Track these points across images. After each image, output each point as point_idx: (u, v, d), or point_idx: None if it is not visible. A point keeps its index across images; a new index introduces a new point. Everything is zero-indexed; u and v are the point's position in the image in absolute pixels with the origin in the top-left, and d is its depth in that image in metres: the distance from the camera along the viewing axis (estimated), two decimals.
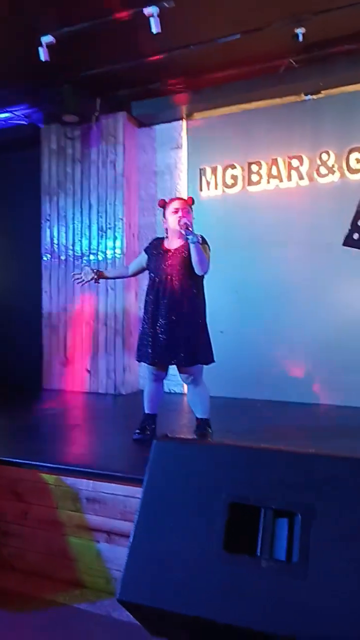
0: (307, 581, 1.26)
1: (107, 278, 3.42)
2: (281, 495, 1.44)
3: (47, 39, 3.86)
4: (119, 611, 2.22)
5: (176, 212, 3.02)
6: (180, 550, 1.45)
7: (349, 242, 1.95)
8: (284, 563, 1.35)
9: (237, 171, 4.81)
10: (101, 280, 5.23)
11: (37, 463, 2.74)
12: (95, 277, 3.28)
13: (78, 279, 3.30)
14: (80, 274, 3.30)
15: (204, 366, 3.14)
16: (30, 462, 2.76)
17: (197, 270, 2.95)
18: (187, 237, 2.89)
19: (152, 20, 3.48)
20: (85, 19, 3.71)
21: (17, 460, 2.80)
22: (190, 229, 2.88)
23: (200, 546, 1.44)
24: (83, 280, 3.28)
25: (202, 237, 2.98)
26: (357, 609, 1.16)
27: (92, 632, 2.13)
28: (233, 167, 4.82)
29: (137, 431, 3.20)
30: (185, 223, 2.89)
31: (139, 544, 1.52)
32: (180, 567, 1.42)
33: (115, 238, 5.19)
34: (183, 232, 2.91)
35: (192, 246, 2.90)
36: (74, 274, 3.38)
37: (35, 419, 4.22)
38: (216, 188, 4.93)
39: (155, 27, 3.49)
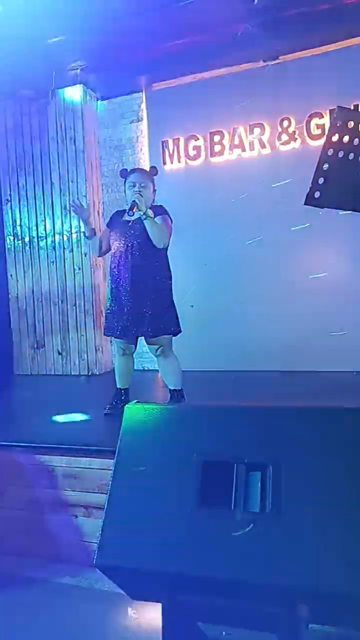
0: (280, 529, 1.28)
1: (93, 238, 3.15)
2: (253, 450, 1.45)
3: None
4: (101, 582, 2.23)
5: (133, 185, 2.96)
6: (156, 510, 1.45)
7: (310, 201, 1.93)
8: (257, 514, 1.36)
9: (200, 142, 4.75)
10: (67, 258, 5.17)
11: (9, 443, 2.70)
12: (92, 228, 3.12)
13: (75, 206, 3.06)
14: (80, 205, 3.09)
15: (175, 339, 3.12)
16: (1, 442, 2.71)
17: (156, 244, 2.92)
18: (139, 214, 2.86)
19: None
20: None
21: None
22: (134, 209, 2.81)
23: (175, 505, 1.44)
24: (78, 209, 3.07)
25: (162, 207, 2.98)
26: (325, 550, 1.20)
27: (76, 604, 2.13)
28: (195, 138, 4.76)
29: (108, 406, 3.18)
30: (133, 201, 2.83)
31: (114, 509, 1.50)
32: (155, 526, 1.42)
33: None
34: (132, 211, 2.85)
35: (145, 222, 2.87)
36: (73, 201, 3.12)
37: (7, 403, 4.15)
38: (179, 161, 4.86)
39: None
